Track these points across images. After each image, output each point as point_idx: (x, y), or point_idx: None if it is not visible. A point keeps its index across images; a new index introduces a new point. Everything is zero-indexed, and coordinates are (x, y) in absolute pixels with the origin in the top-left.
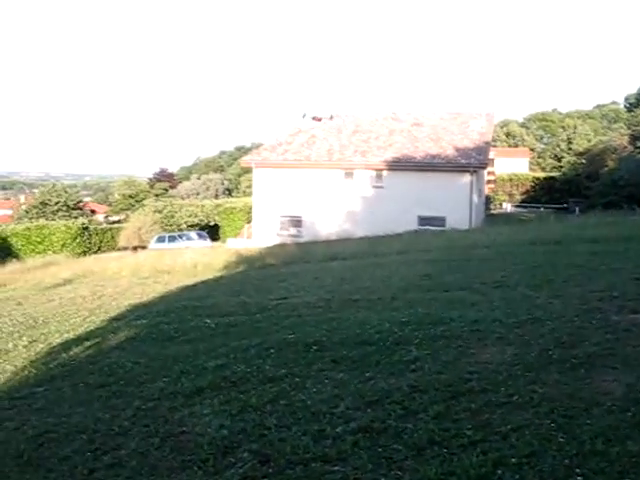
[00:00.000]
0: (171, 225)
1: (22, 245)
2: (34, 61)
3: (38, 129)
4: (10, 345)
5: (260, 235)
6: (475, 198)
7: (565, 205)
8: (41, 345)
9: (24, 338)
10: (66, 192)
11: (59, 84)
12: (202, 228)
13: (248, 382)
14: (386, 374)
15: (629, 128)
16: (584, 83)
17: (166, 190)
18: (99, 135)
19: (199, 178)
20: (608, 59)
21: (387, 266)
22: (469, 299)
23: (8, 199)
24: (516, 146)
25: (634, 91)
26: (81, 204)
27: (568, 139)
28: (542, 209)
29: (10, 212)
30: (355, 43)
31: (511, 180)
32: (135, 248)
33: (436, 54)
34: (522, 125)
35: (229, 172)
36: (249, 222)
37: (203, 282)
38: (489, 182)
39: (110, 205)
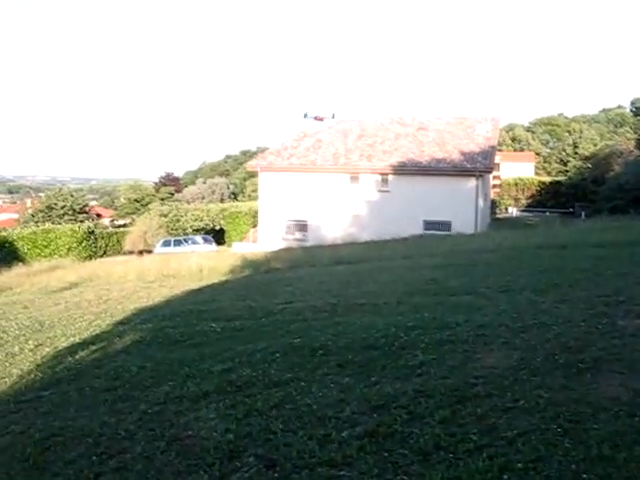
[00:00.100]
0: (177, 229)
1: (28, 249)
2: (41, 67)
3: (45, 134)
4: (16, 349)
5: (265, 239)
6: (481, 202)
7: (571, 209)
8: (47, 349)
9: (30, 342)
10: (72, 196)
11: (66, 89)
12: (207, 232)
13: (254, 386)
14: (392, 378)
15: (635, 132)
16: (590, 87)
17: (172, 194)
18: (105, 139)
19: (205, 182)
20: (614, 63)
21: (393, 270)
22: (475, 303)
23: (14, 203)
24: (522, 150)
25: None
26: (87, 208)
27: (574, 143)
28: (548, 213)
29: (16, 216)
30: (361, 48)
31: (517, 184)
32: (141, 252)
33: (442, 59)
34: (528, 129)
35: (235, 176)
36: (254, 226)
37: (209, 286)
38: (495, 186)
39: (116, 209)
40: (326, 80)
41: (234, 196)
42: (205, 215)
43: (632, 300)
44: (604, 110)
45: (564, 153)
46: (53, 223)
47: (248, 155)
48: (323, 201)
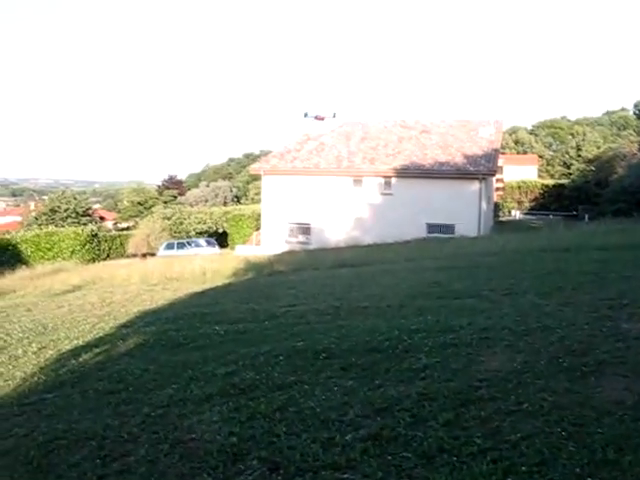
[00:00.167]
0: (180, 232)
1: (31, 252)
2: (45, 70)
3: (48, 137)
4: (20, 351)
5: (269, 242)
6: (484, 205)
7: (574, 212)
8: (50, 351)
9: (33, 344)
10: (75, 199)
11: (69, 92)
12: (211, 235)
13: (257, 389)
14: (395, 382)
15: (638, 135)
16: (593, 90)
17: (175, 197)
18: (108, 142)
19: (208, 185)
20: (617, 66)
21: (396, 273)
22: (478, 306)
23: (18, 206)
24: (525, 153)
25: None
26: (90, 211)
27: (577, 146)
28: (551, 216)
29: (20, 219)
30: (364, 51)
31: (520, 187)
32: (144, 255)
33: (445, 62)
34: (531, 132)
35: (238, 179)
36: (258, 229)
37: (212, 289)
38: (498, 189)
39: (119, 212)
40: (330, 83)
41: (237, 199)
42: (208, 218)
43: (636, 303)
44: (607, 113)
45: (567, 156)
46: (56, 226)
47: (251, 158)
48: (326, 204)
